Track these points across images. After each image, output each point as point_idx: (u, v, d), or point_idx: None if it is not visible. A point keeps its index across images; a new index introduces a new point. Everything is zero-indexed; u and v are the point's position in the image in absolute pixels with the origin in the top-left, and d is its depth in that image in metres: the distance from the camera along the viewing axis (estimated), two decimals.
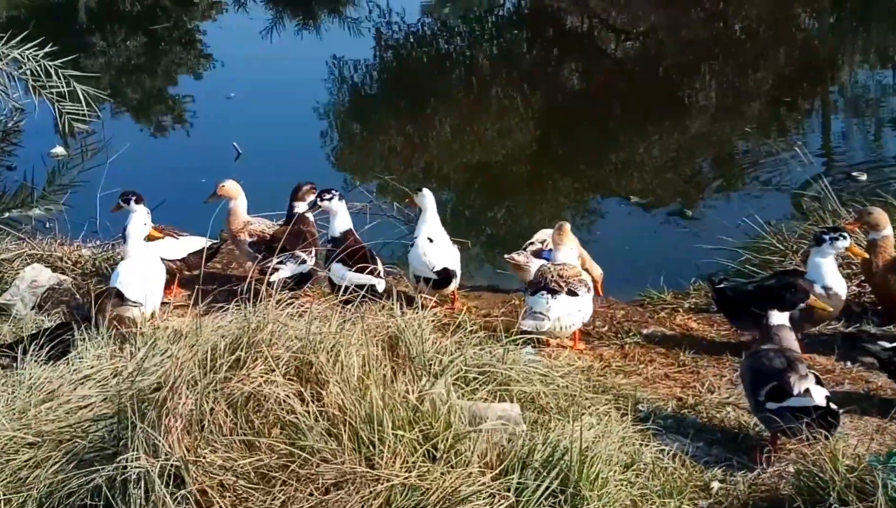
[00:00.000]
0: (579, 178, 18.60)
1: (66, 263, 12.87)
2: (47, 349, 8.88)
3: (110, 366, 8.45)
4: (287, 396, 6.78)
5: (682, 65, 25.35)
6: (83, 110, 14.13)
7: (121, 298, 9.87)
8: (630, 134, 20.34)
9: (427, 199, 11.94)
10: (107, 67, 26.04)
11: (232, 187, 12.41)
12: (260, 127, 20.61)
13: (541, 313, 10.08)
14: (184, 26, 30.81)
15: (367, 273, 10.75)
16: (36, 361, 8.66)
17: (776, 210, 14.99)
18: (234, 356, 6.96)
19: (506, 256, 11.75)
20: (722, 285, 10.46)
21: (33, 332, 9.60)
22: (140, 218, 11.22)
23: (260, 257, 11.29)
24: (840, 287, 9.95)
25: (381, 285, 10.82)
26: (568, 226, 10.74)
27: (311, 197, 11.96)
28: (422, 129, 21.38)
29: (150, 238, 11.30)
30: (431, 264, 11.41)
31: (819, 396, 7.87)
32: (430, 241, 11.63)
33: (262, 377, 6.83)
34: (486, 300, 12.21)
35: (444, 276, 11.46)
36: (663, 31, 27.90)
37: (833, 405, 7.90)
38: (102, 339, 9.11)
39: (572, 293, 10.13)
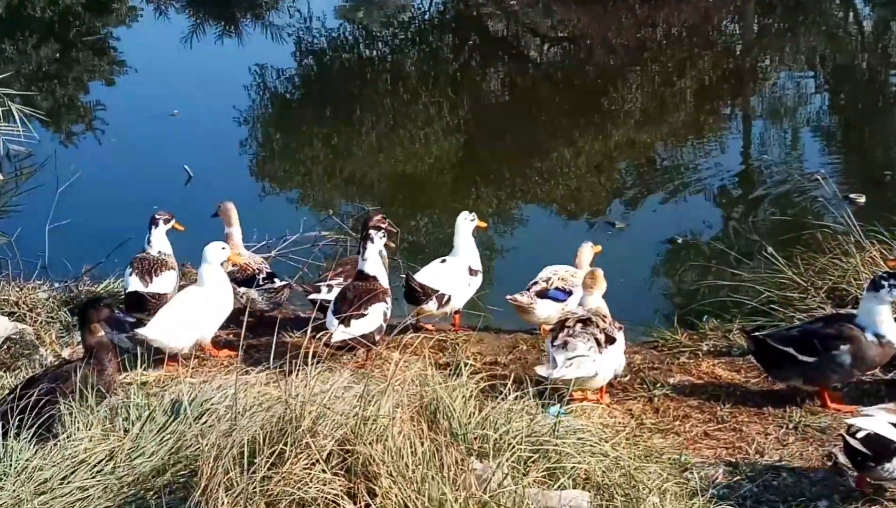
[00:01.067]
0: (503, 185, 18.09)
1: (23, 308, 11.31)
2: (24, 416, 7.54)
3: (105, 447, 7.07)
4: (337, 496, 5.88)
5: (608, 70, 25.02)
6: (19, 131, 13.52)
7: (111, 310, 8.94)
8: (557, 140, 19.89)
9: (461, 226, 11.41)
10: (17, 77, 24.55)
11: (228, 212, 11.82)
12: (204, 143, 19.92)
13: (577, 361, 8.82)
14: (97, 32, 29.79)
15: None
16: (17, 436, 7.32)
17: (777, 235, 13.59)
18: (274, 448, 6.08)
19: (507, 297, 10.73)
20: (758, 334, 9.24)
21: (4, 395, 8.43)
22: (218, 244, 10.78)
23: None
24: (894, 335, 8.89)
25: (337, 336, 9.81)
26: (601, 272, 9.55)
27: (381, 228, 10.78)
28: (346, 136, 20.70)
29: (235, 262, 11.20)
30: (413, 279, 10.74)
31: None
32: (442, 262, 11.23)
33: (305, 471, 5.94)
34: (488, 345, 10.78)
35: (412, 290, 10.64)
36: (590, 36, 27.49)
37: None
38: (89, 408, 7.78)
39: (611, 341, 9.00)
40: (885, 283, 8.75)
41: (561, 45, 28.05)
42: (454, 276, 10.93)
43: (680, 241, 14.35)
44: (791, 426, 8.58)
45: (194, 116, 21.49)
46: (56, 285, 12.30)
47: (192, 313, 10.22)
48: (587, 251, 11.13)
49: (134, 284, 10.93)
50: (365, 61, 27.67)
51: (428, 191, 18.22)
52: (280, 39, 29.16)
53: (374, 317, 9.84)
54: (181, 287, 11.28)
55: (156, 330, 9.97)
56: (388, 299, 10.17)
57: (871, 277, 9.17)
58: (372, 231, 10.35)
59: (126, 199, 16.29)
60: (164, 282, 11.06)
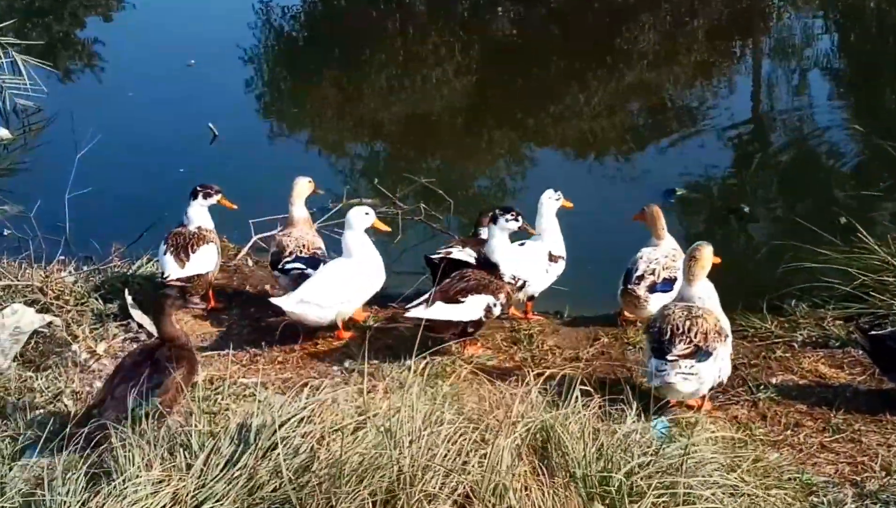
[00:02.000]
0: (516, 127, 17.30)
1: (49, 295, 9.83)
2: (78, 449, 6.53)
3: (168, 490, 5.94)
4: None
5: (620, 10, 23.79)
6: (25, 83, 12.32)
7: (184, 299, 8.37)
8: (569, 82, 19.18)
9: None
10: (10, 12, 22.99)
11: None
12: (228, 99, 18.49)
13: (685, 375, 7.77)
14: None
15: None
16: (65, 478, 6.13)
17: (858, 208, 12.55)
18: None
19: (629, 287, 9.49)
20: (877, 332, 8.27)
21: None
22: (361, 208, 9.85)
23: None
24: None
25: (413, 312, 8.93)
26: (707, 250, 8.14)
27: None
28: (355, 78, 19.72)
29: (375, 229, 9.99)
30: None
31: None
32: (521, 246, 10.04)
33: None
34: (565, 336, 9.62)
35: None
36: None
37: None
38: (147, 438, 6.51)
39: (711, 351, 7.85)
40: None
41: None
42: (532, 260, 9.79)
43: (746, 209, 13.07)
44: None
45: (212, 64, 19.92)
46: (84, 267, 10.97)
47: (338, 284, 9.34)
48: (657, 217, 9.97)
49: (170, 267, 9.66)
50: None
51: (439, 133, 17.33)
52: None
53: (472, 308, 8.84)
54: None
55: (296, 303, 9.17)
56: (501, 295, 9.00)
57: None
58: (498, 212, 9.20)
59: (150, 162, 14.98)
60: (202, 259, 9.80)
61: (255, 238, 11.69)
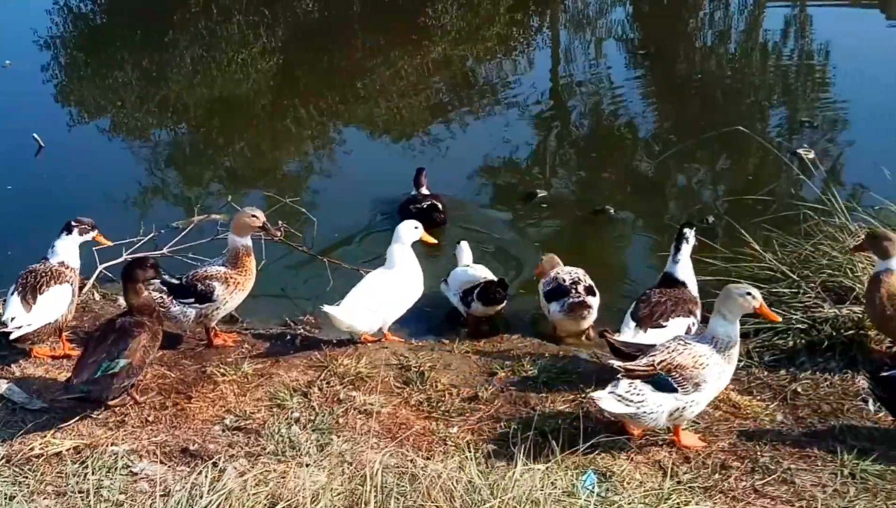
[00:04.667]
0: (323, 107, 16.28)
1: None
2: None
3: None
4: None
5: None
6: None
7: (156, 270, 7.88)
8: (376, 59, 18.27)
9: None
10: None
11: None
12: (52, 102, 16.82)
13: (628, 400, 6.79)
14: None
15: None
16: None
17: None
18: None
19: (576, 299, 8.95)
20: (888, 373, 6.95)
21: None
22: (410, 223, 9.34)
23: None
24: None
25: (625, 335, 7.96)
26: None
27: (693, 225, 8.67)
28: (160, 61, 18.31)
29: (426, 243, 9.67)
30: None
31: None
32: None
33: None
34: (458, 372, 8.22)
35: None
36: None
37: None
38: None
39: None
40: None
41: None
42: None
43: (612, 211, 11.88)
44: (846, 472, 6.67)
45: (33, 61, 18.27)
46: None
47: (380, 295, 8.80)
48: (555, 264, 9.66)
49: (13, 309, 8.07)
50: None
51: (247, 114, 16.11)
52: None
53: (674, 331, 7.75)
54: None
55: (347, 312, 8.55)
56: (698, 312, 8.07)
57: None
58: (686, 230, 8.33)
59: None
60: (50, 304, 8.20)
61: (100, 268, 10.00)
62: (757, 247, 9.21)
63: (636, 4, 22.35)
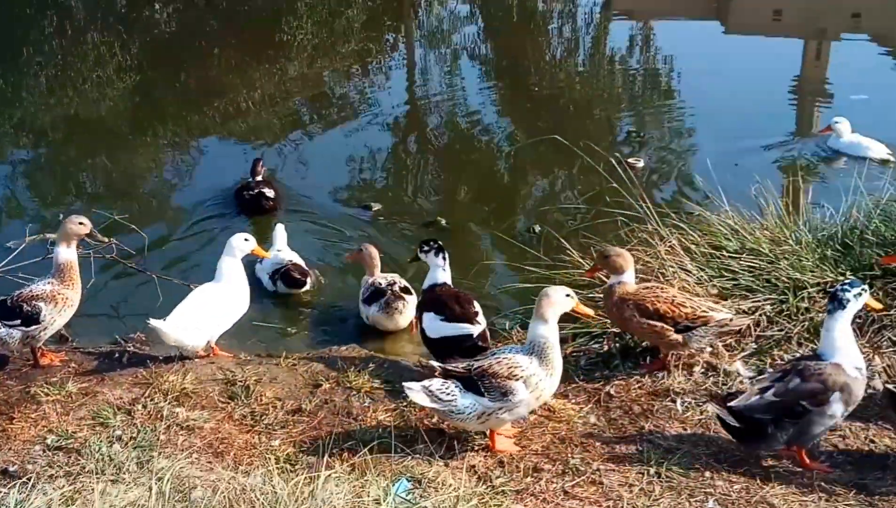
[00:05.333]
0: (180, 123, 16.14)
1: None
2: None
3: None
4: None
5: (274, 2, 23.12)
6: None
7: None
8: (233, 76, 18.23)
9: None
10: None
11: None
12: None
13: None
14: None
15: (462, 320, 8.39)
16: None
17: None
18: None
19: (393, 300, 9.50)
20: (736, 405, 6.76)
21: None
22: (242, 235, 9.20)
23: None
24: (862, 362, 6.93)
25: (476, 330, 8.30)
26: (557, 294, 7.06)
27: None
28: (12, 79, 17.91)
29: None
30: None
31: None
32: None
33: None
34: (284, 384, 8.17)
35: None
36: None
37: None
38: None
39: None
40: (849, 293, 6.74)
41: None
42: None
43: (443, 222, 12.02)
44: (653, 471, 6.82)
45: None
46: None
47: (207, 309, 8.62)
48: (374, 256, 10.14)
49: None
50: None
51: (105, 133, 15.80)
52: None
53: None
54: None
55: (174, 326, 8.34)
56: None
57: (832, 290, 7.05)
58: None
59: None
60: None
61: None
62: (574, 253, 9.35)
63: (487, 21, 22.64)
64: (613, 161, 10.54)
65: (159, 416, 7.54)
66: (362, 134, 15.33)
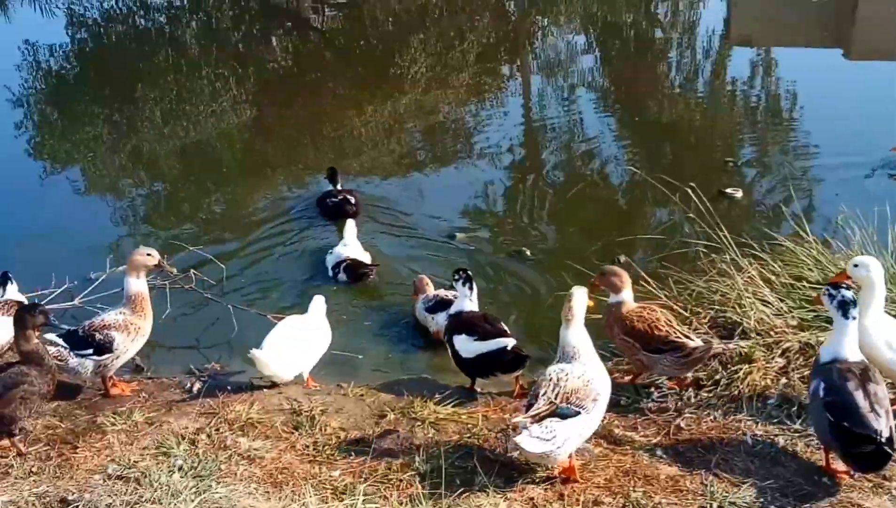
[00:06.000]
0: (295, 157, 16.08)
1: None
2: None
3: None
4: None
5: (390, 35, 23.19)
6: None
7: (46, 316, 7.77)
8: (346, 108, 18.00)
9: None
10: None
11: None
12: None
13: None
14: None
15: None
16: None
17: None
18: None
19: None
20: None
21: None
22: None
23: None
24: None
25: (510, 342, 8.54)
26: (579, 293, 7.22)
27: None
28: (129, 113, 18.22)
29: None
30: None
31: None
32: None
33: None
34: (349, 415, 8.07)
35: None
36: (369, 2, 25.48)
37: None
38: None
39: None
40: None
41: (342, 11, 25.85)
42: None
43: (528, 253, 11.78)
44: (716, 505, 6.57)
45: None
46: None
47: (302, 343, 8.84)
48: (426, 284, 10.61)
49: None
50: (142, 33, 24.76)
51: (219, 166, 15.87)
52: (50, 14, 26.01)
53: None
54: None
55: (273, 357, 8.56)
56: None
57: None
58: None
59: None
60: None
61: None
62: (651, 283, 9.14)
63: (603, 50, 22.34)
64: (693, 189, 10.23)
65: (222, 445, 7.55)
66: (465, 164, 15.29)
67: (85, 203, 14.42)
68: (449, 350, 8.83)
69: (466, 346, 8.55)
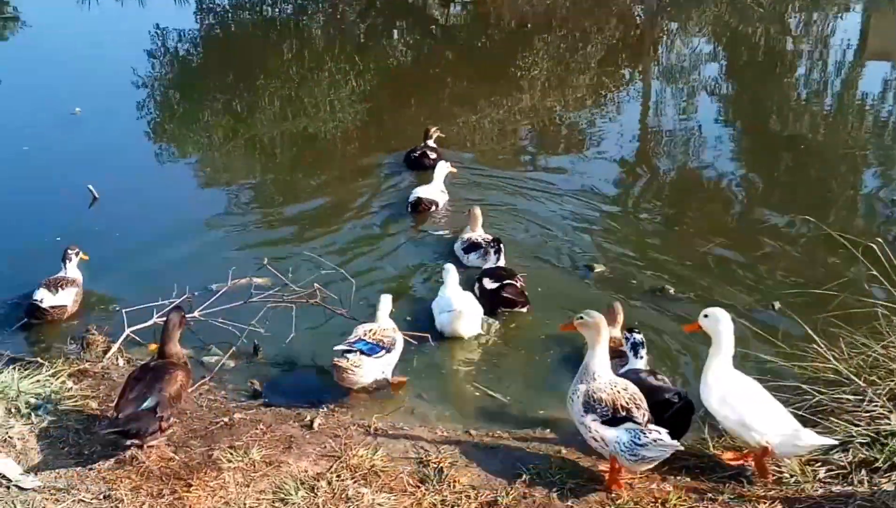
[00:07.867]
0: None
1: None
2: None
3: None
4: None
5: (514, 34, 22.32)
6: None
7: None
8: (463, 106, 17.33)
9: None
10: None
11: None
12: (110, 152, 15.04)
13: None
14: None
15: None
16: None
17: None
18: None
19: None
20: None
21: None
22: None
23: None
24: None
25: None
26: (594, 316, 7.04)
27: None
28: (249, 101, 17.73)
29: None
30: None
31: None
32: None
33: None
34: (478, 471, 7.08)
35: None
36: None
37: None
38: None
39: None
40: None
41: (468, 7, 25.02)
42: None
43: (672, 291, 10.37)
44: None
45: (97, 112, 16.82)
46: None
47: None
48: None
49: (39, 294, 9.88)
50: (269, 22, 24.30)
51: (333, 159, 15.17)
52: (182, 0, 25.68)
53: None
54: None
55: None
56: None
57: None
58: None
59: (26, 228, 12.21)
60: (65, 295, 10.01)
61: (127, 331, 9.16)
62: (822, 344, 7.77)
63: (730, 59, 21.19)
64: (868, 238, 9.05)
65: (343, 496, 6.71)
66: (587, 170, 14.27)
67: (169, 200, 13.47)
68: None
69: (490, 285, 10.19)
